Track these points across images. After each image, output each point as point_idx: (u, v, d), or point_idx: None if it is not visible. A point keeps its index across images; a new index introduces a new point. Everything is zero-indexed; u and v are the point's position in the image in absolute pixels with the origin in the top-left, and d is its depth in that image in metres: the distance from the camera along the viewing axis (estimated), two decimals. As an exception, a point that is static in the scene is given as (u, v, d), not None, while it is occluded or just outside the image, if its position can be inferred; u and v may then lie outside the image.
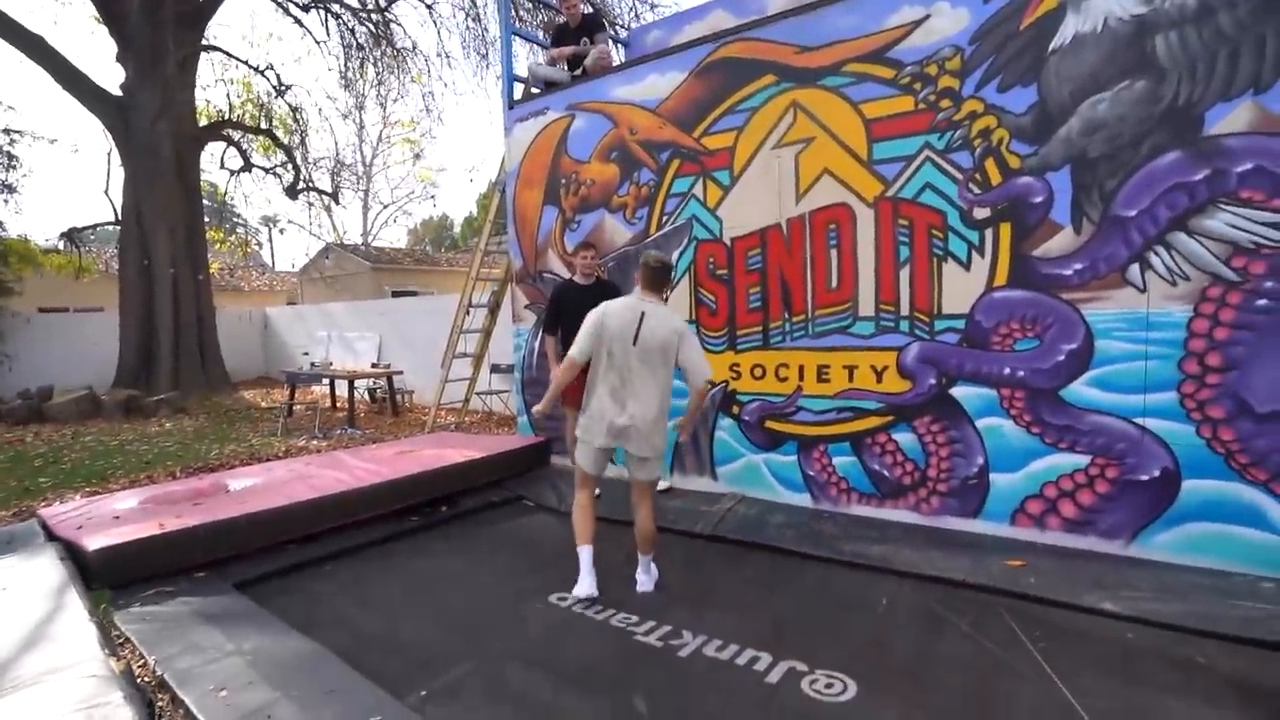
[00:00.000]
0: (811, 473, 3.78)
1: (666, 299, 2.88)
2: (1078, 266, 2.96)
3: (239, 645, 2.29)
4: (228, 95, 13.11)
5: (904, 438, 3.46)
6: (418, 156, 24.98)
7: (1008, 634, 2.39)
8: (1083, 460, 3.00)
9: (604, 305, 2.90)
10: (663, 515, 3.77)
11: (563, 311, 4.28)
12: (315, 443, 6.82)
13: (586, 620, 2.64)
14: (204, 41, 11.47)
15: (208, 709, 1.91)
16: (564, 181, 4.78)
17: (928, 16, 3.27)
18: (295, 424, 8.06)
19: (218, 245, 15.86)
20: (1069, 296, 2.99)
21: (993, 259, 3.17)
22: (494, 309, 6.54)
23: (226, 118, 12.66)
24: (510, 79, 5.28)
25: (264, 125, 13.14)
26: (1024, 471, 3.14)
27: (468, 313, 6.42)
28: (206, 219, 14.10)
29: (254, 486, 3.91)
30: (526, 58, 9.20)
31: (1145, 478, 2.87)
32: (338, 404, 9.39)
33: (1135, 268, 2.84)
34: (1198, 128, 2.69)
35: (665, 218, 4.28)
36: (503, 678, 2.23)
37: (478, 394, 7.25)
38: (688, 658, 2.33)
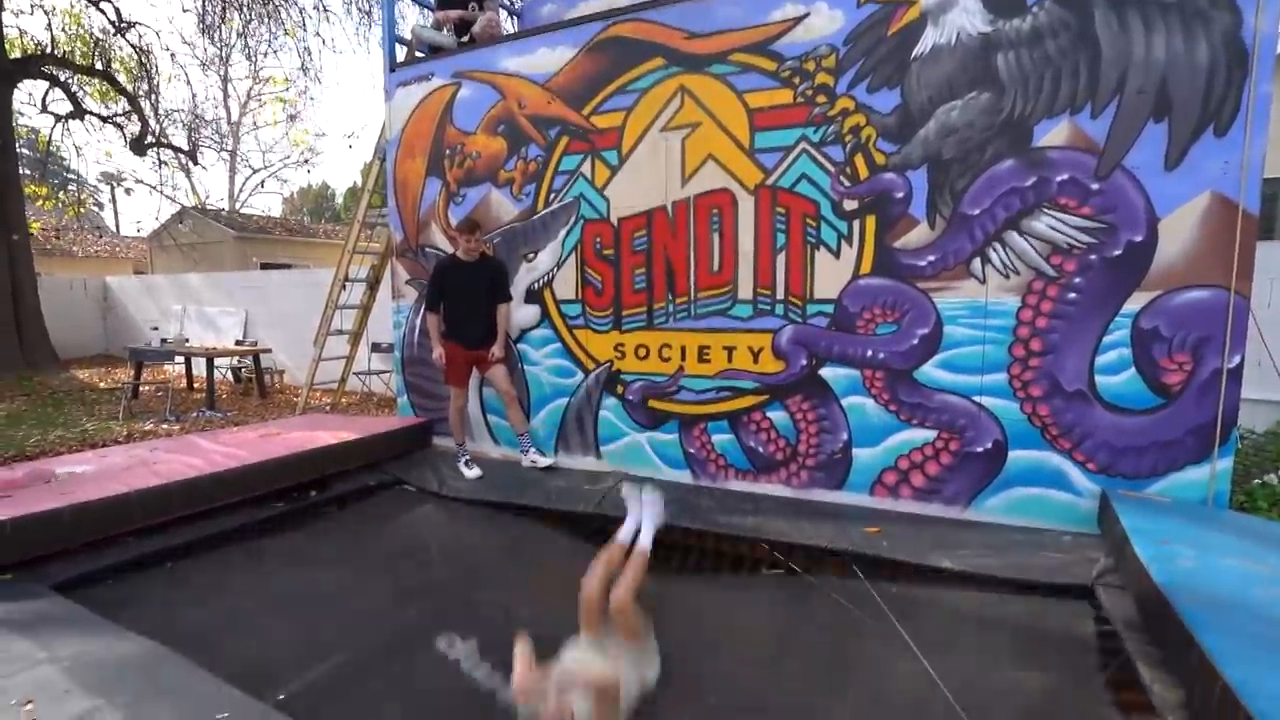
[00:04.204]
0: (692, 450, 3.89)
1: None
2: (931, 259, 3.24)
3: (54, 652, 2.01)
4: (49, 26, 11.29)
5: (777, 416, 3.64)
6: (293, 118, 22.89)
7: (864, 593, 2.61)
8: (930, 435, 3.30)
9: None
10: (546, 495, 3.76)
11: (446, 289, 4.12)
12: (166, 426, 6.14)
13: (462, 611, 2.55)
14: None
15: (7, 725, 1.67)
16: (449, 152, 4.55)
17: (807, 14, 3.41)
18: (142, 406, 7.21)
19: (40, 203, 13.73)
20: (923, 285, 3.26)
21: (859, 248, 3.38)
22: (373, 284, 6.15)
23: (48, 52, 10.90)
24: (392, 39, 4.95)
25: (99, 66, 11.45)
26: (882, 446, 3.41)
27: (344, 287, 6.00)
28: (26, 171, 12.17)
29: (84, 475, 3.45)
30: (418, 20, 8.64)
31: (980, 450, 3.21)
32: (195, 385, 8.50)
33: (977, 262, 3.15)
34: (1029, 139, 3.02)
35: (553, 195, 4.19)
36: (369, 675, 2.13)
37: (356, 374, 6.83)
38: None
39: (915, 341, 3.29)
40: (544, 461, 4.18)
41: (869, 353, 3.39)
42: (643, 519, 2.58)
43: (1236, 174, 2.74)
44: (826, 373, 3.50)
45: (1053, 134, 2.98)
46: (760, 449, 3.70)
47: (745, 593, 2.69)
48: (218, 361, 8.02)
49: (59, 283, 11.97)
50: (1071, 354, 3.02)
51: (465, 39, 4.71)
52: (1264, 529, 2.71)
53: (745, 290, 3.67)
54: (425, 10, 6.85)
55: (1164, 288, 2.86)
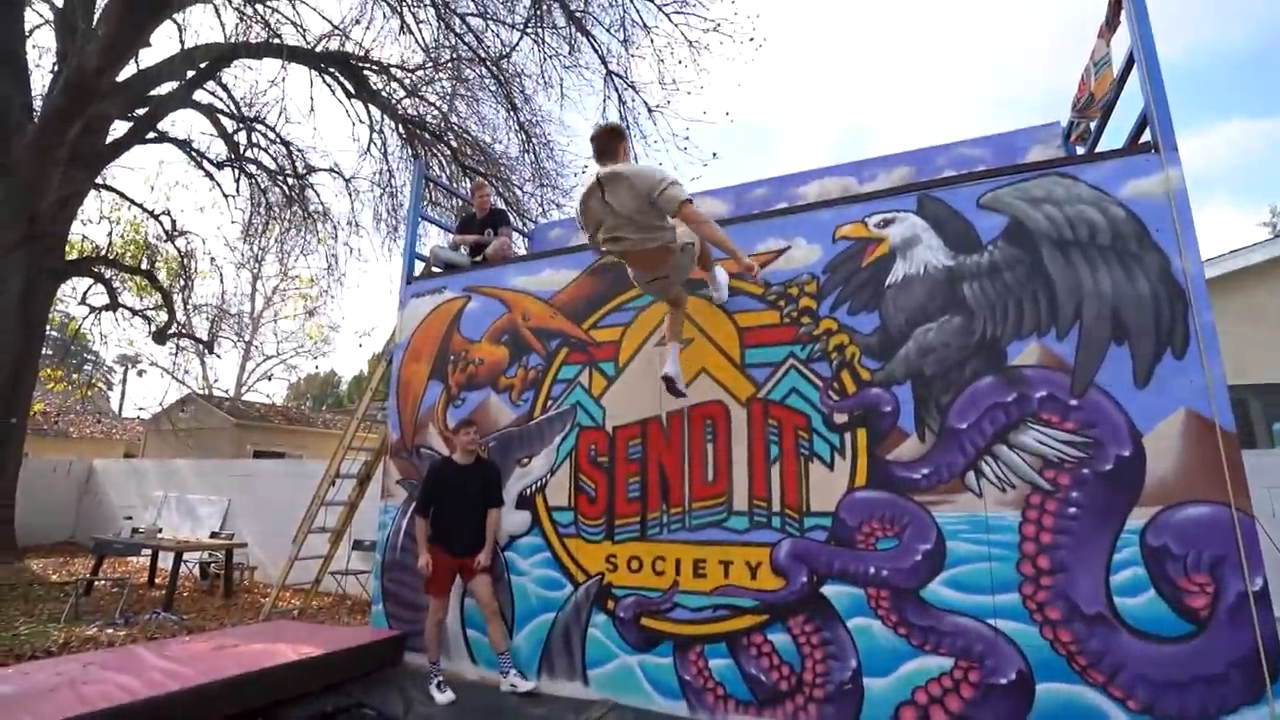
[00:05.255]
0: (688, 677, 3.51)
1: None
2: (925, 471, 3.23)
3: None
4: (110, 234, 12.51)
5: (779, 638, 3.35)
6: (311, 313, 24.42)
7: None
8: (947, 663, 3.02)
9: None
10: (525, 731, 3.32)
11: (438, 491, 4.05)
12: (111, 631, 5.60)
13: None
14: (98, 181, 11.15)
15: None
16: (453, 358, 4.76)
17: (789, 247, 3.81)
18: (92, 605, 6.65)
19: (51, 385, 14.05)
20: (920, 499, 3.20)
21: (853, 460, 3.39)
22: (363, 480, 6.05)
23: (102, 254, 11.94)
24: (413, 256, 5.45)
25: (145, 265, 12.48)
26: (895, 675, 3.09)
27: (333, 483, 5.89)
28: (48, 352, 12.66)
29: (-3, 700, 3.04)
30: (440, 237, 9.74)
31: (1004, 681, 2.91)
32: (158, 580, 7.95)
33: (972, 475, 3.14)
34: (1003, 358, 3.19)
35: (550, 402, 4.30)
36: None
37: (332, 573, 6.42)
38: None
39: (919, 557, 3.15)
40: (525, 686, 3.76)
41: (871, 569, 3.23)
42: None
43: (1204, 393, 2.85)
44: (829, 591, 3.29)
45: (1025, 354, 3.16)
46: (762, 677, 3.35)
47: None
48: (188, 555, 7.60)
49: (42, 464, 11.77)
50: (1083, 572, 2.88)
51: (479, 259, 5.19)
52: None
53: (740, 501, 3.60)
54: (445, 232, 7.68)
55: (1163, 503, 2.82)
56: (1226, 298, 6.61)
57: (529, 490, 4.24)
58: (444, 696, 3.69)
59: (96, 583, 7.41)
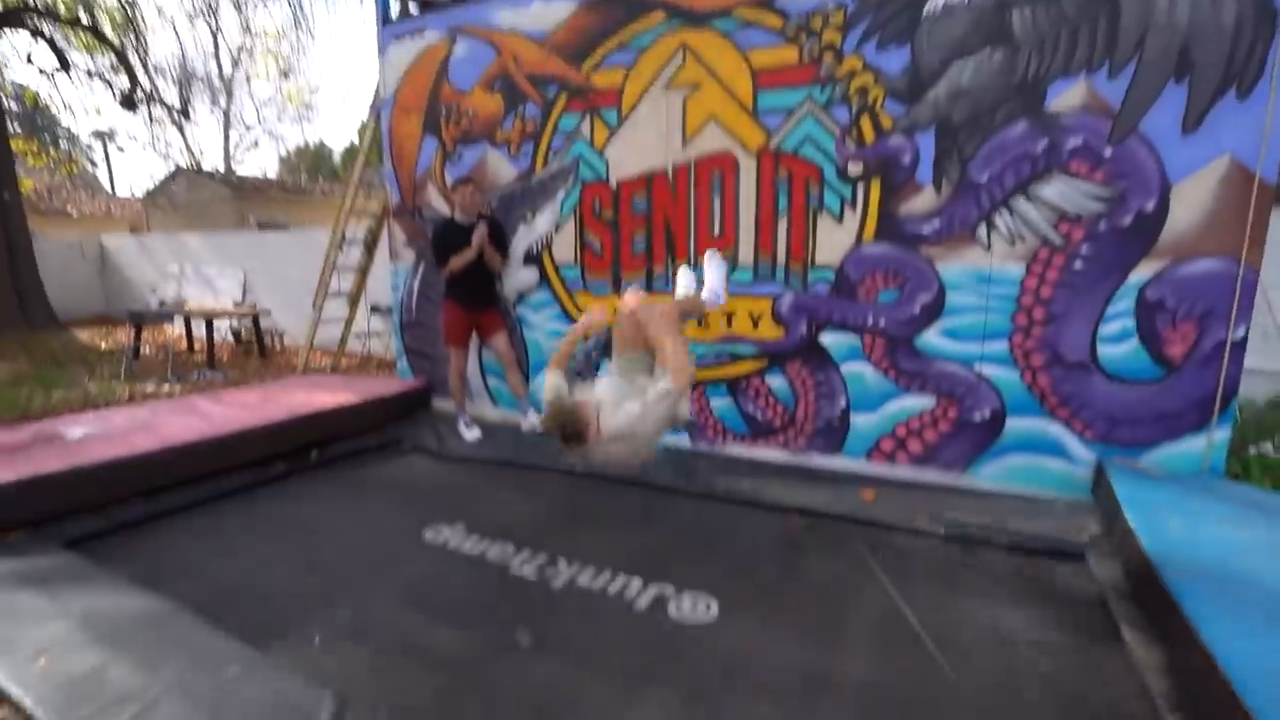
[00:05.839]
0: (690, 416, 3.91)
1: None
2: (936, 225, 3.19)
3: (66, 607, 2.07)
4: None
5: (776, 382, 3.65)
6: (286, 74, 22.24)
7: (857, 556, 2.65)
8: (930, 402, 3.31)
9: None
10: (546, 456, 3.80)
11: (446, 251, 4.08)
12: (167, 387, 6.17)
13: (462, 556, 2.65)
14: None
15: (21, 680, 1.72)
16: (445, 111, 4.44)
17: (816, -33, 3.28)
18: (143, 368, 7.22)
19: (30, 159, 13.51)
20: (926, 252, 3.22)
21: (863, 214, 3.33)
22: (370, 245, 6.08)
23: (28, 4, 10.55)
24: (385, -11, 4.77)
25: (84, 19, 11.11)
26: (880, 412, 3.42)
27: (340, 249, 5.94)
28: (16, 129, 11.98)
29: (86, 437, 3.49)
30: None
31: (978, 417, 3.22)
32: (196, 346, 8.51)
33: (983, 229, 3.10)
34: (1041, 102, 2.93)
35: (552, 155, 4.11)
36: (376, 620, 2.19)
37: (355, 335, 6.81)
38: (561, 589, 2.39)
39: (917, 309, 3.27)
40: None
41: (869, 319, 3.37)
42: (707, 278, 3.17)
43: (1256, 139, 2.66)
44: (826, 339, 3.48)
45: (1066, 96, 2.89)
46: (758, 415, 3.71)
47: (738, 553, 2.73)
48: (217, 323, 8.01)
49: (58, 245, 11.86)
50: (1075, 323, 3.00)
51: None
52: (1255, 497, 2.74)
53: (746, 255, 3.62)
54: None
55: (1172, 257, 2.82)
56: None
57: (535, 248, 4.27)
58: (472, 433, 4.16)
59: (142, 349, 7.93)
